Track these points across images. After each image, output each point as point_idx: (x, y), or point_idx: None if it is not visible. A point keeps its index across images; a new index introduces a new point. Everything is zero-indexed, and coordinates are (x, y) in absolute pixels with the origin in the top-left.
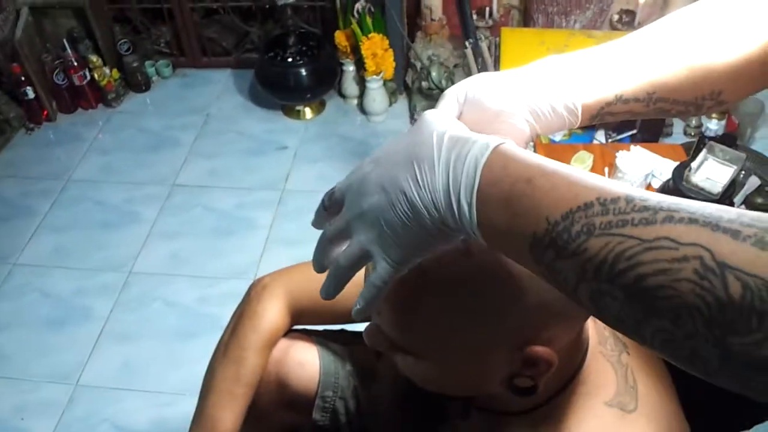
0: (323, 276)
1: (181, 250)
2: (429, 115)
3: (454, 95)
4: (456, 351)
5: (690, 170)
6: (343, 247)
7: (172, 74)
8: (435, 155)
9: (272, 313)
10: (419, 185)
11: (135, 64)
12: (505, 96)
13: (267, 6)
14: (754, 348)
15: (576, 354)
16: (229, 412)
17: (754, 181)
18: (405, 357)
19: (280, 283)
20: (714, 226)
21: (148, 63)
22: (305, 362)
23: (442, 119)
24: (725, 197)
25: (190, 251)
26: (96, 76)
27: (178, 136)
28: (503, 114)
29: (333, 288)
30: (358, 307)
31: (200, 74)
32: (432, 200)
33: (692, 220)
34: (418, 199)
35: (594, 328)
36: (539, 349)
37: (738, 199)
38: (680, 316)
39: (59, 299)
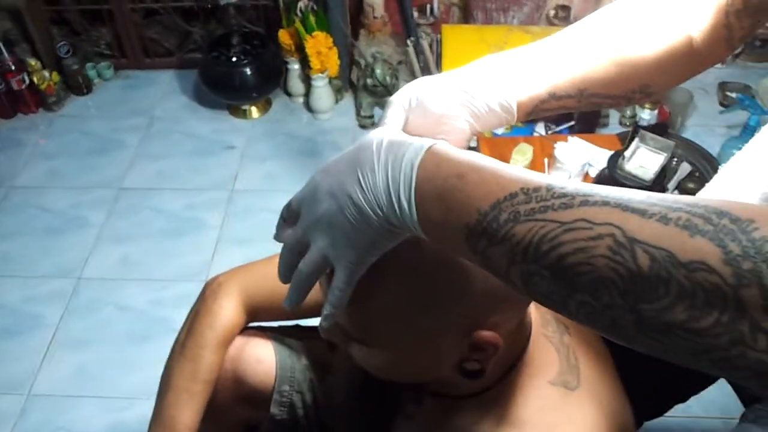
0: (276, 272)
1: (132, 254)
2: (373, 130)
3: (399, 102)
4: (408, 338)
5: (623, 159)
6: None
7: (114, 76)
8: (375, 159)
9: (228, 310)
10: (363, 189)
11: (75, 67)
12: (446, 99)
13: (209, 6)
14: (663, 313)
15: (520, 337)
16: (188, 410)
17: (685, 168)
18: (359, 347)
19: (235, 281)
20: (624, 207)
21: (88, 65)
22: (261, 358)
23: (383, 129)
24: (657, 183)
25: (141, 254)
26: (35, 79)
27: (123, 139)
28: (445, 117)
29: (296, 296)
30: (326, 312)
31: (143, 75)
32: (376, 201)
33: (605, 203)
34: (363, 202)
35: (537, 312)
36: (486, 334)
37: (672, 185)
38: (598, 289)
39: (8, 308)
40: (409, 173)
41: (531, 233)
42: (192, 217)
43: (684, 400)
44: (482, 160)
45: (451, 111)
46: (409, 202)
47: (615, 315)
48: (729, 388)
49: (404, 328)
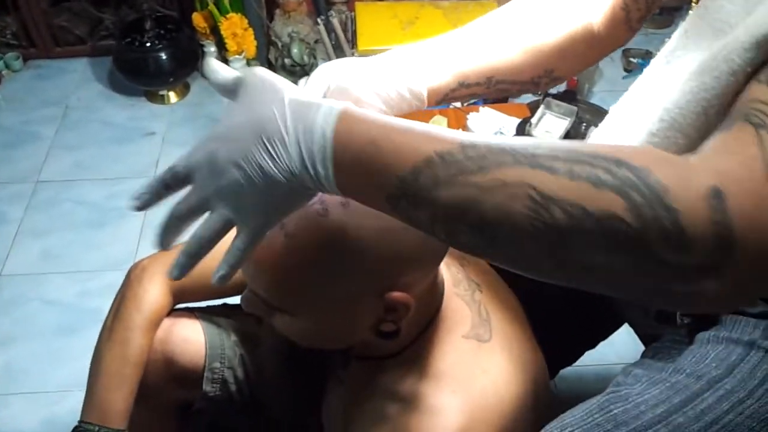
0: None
1: (54, 247)
2: (259, 75)
3: (318, 80)
4: (325, 304)
5: (530, 125)
6: (199, 222)
7: (23, 67)
8: (282, 129)
9: (153, 293)
10: (274, 158)
11: None
12: (362, 83)
13: None
14: (581, 257)
15: (433, 297)
16: (120, 393)
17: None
18: (281, 316)
19: (159, 264)
20: (533, 164)
21: None
22: (190, 337)
23: (273, 80)
24: None
25: (64, 247)
26: None
27: (37, 131)
28: (360, 100)
29: (193, 261)
30: (221, 272)
31: (54, 65)
32: (289, 170)
33: (516, 161)
34: (275, 171)
35: (448, 273)
36: (397, 295)
37: None
38: (519, 241)
39: None
40: (324, 143)
41: (451, 196)
42: (114, 207)
43: (593, 345)
44: (393, 122)
45: (366, 95)
46: (326, 170)
47: (537, 260)
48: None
49: (319, 295)
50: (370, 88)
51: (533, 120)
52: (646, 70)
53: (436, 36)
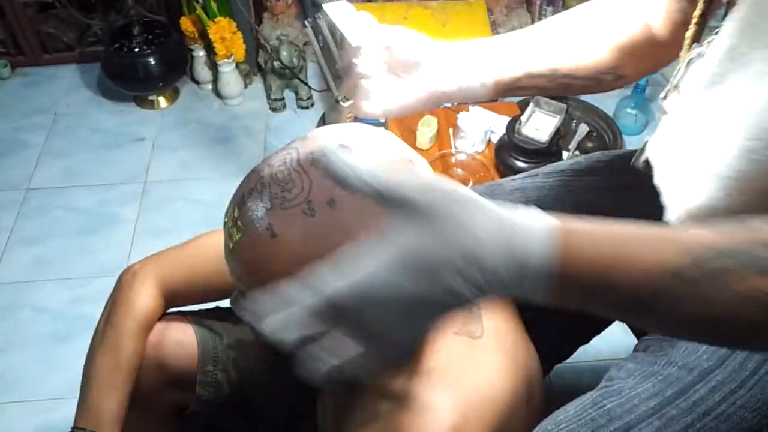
0: (192, 257)
1: (46, 254)
2: (433, 185)
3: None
4: None
5: (520, 123)
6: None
7: (11, 75)
8: (487, 256)
9: (145, 297)
10: (474, 288)
11: None
12: (446, 75)
13: None
14: None
15: None
16: (113, 400)
17: (583, 129)
18: None
19: (150, 268)
20: (759, 270)
21: None
22: (182, 341)
23: (455, 192)
24: (552, 144)
25: (56, 254)
26: None
27: (27, 138)
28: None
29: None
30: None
31: (43, 72)
32: (488, 292)
33: (743, 268)
34: (470, 295)
35: None
36: None
37: (572, 145)
38: (741, 336)
39: None
40: (539, 270)
41: (688, 313)
42: (106, 213)
43: (587, 340)
44: (612, 234)
45: (447, 85)
46: (537, 292)
47: (750, 344)
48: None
49: None
50: (453, 79)
51: (522, 118)
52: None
53: (505, 34)
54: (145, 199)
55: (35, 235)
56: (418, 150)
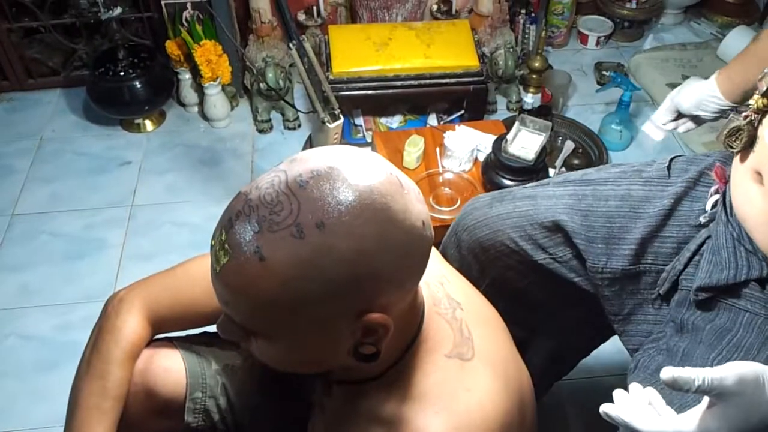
0: (179, 282)
1: (31, 281)
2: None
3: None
4: (302, 327)
5: (506, 142)
6: None
7: None
8: None
9: (131, 324)
10: None
11: None
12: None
13: (92, 21)
14: None
15: (413, 317)
16: (100, 428)
17: (569, 145)
18: (258, 341)
19: (136, 294)
20: None
21: None
22: (170, 368)
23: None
24: (539, 162)
25: (41, 280)
26: None
27: (12, 164)
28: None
29: None
30: None
31: (28, 97)
32: None
33: None
34: None
35: (428, 291)
36: (375, 316)
37: (558, 162)
38: None
39: None
40: None
41: None
42: (92, 238)
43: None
44: None
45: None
46: None
47: None
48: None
49: (296, 317)
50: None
51: (509, 137)
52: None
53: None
54: (132, 223)
55: (20, 262)
56: (405, 170)
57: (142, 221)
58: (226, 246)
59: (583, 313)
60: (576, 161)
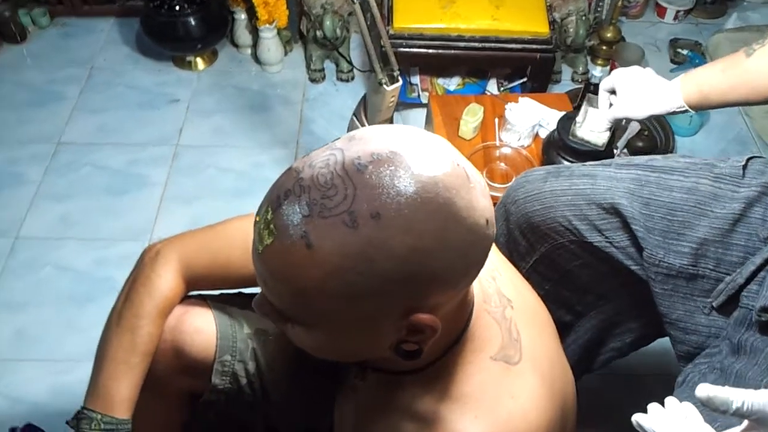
0: (218, 241)
1: (72, 212)
2: None
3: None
4: (343, 321)
5: (575, 125)
6: None
7: (50, 24)
8: None
9: (166, 280)
10: None
11: (7, 14)
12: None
13: None
14: None
15: (461, 315)
16: (126, 382)
17: (635, 126)
18: (294, 327)
19: (174, 249)
20: None
21: (21, 12)
22: (201, 328)
23: None
24: (609, 148)
25: (82, 212)
26: None
27: (62, 91)
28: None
29: None
30: None
31: (81, 23)
32: None
33: None
34: None
35: (479, 287)
36: (423, 317)
37: (621, 143)
38: None
39: None
40: None
41: None
42: (135, 174)
43: (622, 354)
44: None
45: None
46: None
47: None
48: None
49: (338, 310)
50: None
51: (578, 119)
52: None
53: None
54: (176, 162)
55: (62, 192)
56: (460, 140)
57: (187, 162)
58: (272, 226)
59: (634, 303)
60: (640, 143)
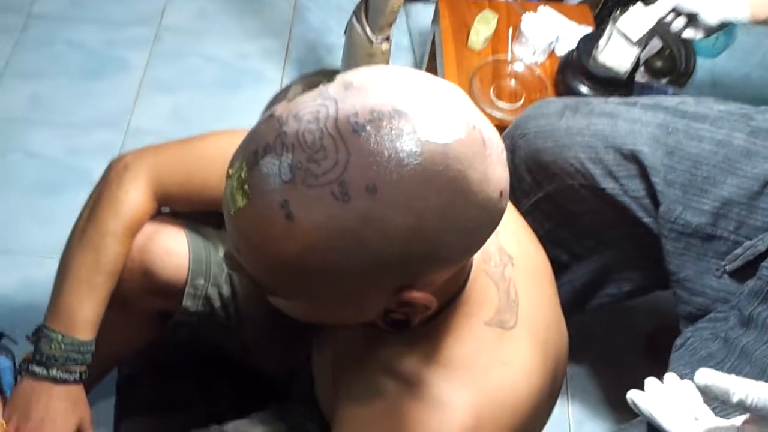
0: (195, 158)
1: (43, 93)
2: None
3: None
4: (327, 297)
5: (597, 48)
6: None
7: None
8: None
9: (134, 196)
10: None
11: None
12: None
13: None
14: None
15: (457, 280)
16: (89, 302)
17: (655, 44)
18: (270, 294)
19: (144, 163)
20: None
21: None
22: (172, 250)
23: None
24: (631, 76)
25: (54, 94)
26: None
27: None
28: None
29: None
30: None
31: None
32: None
33: None
34: None
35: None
36: (417, 296)
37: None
38: None
39: None
40: None
41: None
42: (113, 56)
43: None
44: None
45: None
46: None
47: None
48: None
49: (321, 287)
50: None
51: (601, 42)
52: None
53: None
54: (157, 46)
55: (33, 70)
56: (469, 50)
57: (168, 46)
58: (246, 187)
59: (639, 255)
60: (659, 63)
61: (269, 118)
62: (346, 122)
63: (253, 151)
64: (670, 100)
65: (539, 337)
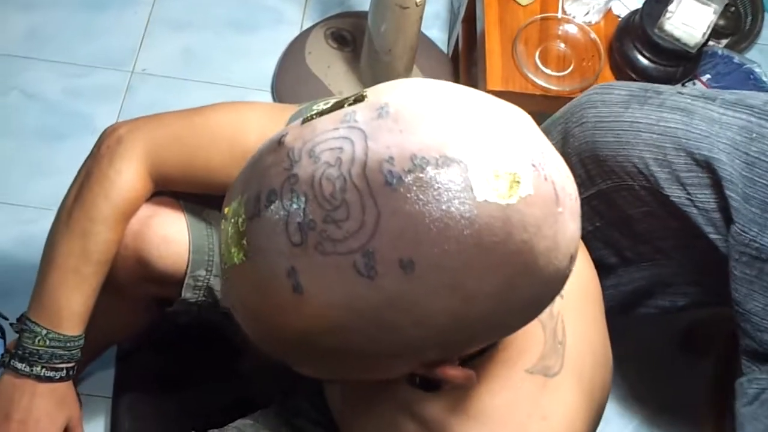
0: (195, 137)
1: (42, 27)
2: None
3: None
4: (341, 371)
5: (665, 16)
6: None
7: None
8: None
9: (128, 177)
10: None
11: None
12: None
13: None
14: None
15: None
16: (77, 295)
17: (719, 4)
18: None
19: (140, 137)
20: None
21: None
22: (170, 238)
23: None
24: (700, 50)
25: (54, 28)
26: None
27: None
28: None
29: None
30: None
31: None
32: None
33: None
34: None
35: None
36: (454, 373)
37: None
38: None
39: None
40: None
41: None
42: None
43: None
44: None
45: None
46: None
47: None
48: None
49: (338, 364)
50: None
51: (671, 8)
52: None
53: None
54: None
55: (31, 1)
56: (514, 4)
57: None
58: (245, 242)
59: (700, 270)
60: (722, 22)
61: (277, 146)
62: (377, 170)
63: (255, 195)
64: (758, 97)
65: (585, 382)
